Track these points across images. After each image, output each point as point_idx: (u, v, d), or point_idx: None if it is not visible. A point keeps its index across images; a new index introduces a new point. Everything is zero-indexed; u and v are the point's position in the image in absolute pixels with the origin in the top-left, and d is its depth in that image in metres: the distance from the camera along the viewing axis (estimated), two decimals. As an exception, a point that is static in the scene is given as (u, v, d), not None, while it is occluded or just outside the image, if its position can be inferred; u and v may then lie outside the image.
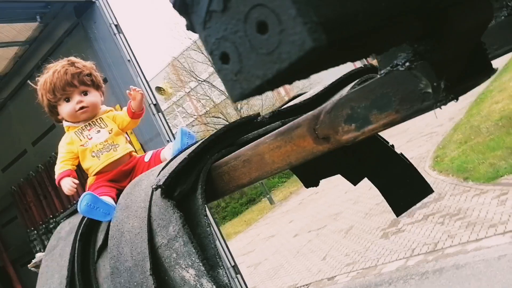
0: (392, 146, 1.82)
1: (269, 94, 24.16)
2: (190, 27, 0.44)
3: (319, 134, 0.78)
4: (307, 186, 2.11)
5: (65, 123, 1.55)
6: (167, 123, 4.52)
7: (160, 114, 4.51)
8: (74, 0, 4.54)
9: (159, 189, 0.96)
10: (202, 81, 24.47)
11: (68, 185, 1.40)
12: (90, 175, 1.45)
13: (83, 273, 1.21)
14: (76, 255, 1.24)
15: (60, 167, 1.46)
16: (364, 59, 0.63)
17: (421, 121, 13.95)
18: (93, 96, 1.55)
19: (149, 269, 0.94)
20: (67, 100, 1.52)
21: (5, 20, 4.33)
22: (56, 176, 1.45)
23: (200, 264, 0.87)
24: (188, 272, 0.90)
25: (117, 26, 4.44)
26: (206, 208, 0.97)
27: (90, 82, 1.53)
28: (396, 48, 0.67)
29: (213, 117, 24.00)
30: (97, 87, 1.55)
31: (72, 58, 1.51)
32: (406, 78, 0.65)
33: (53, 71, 1.49)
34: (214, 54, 0.42)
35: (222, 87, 22.98)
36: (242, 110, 22.80)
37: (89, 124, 1.53)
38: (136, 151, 1.55)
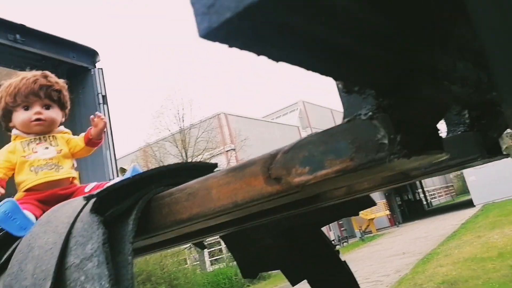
0: (338, 251, 1.78)
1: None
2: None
3: (272, 174, 0.77)
4: (244, 276, 1.99)
5: (14, 131, 1.47)
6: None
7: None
8: (71, 62, 4.61)
9: (89, 206, 0.88)
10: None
11: None
12: (19, 190, 1.32)
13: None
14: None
15: None
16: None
17: (368, 267, 14.00)
18: (54, 113, 1.50)
19: (49, 279, 0.82)
20: (26, 108, 1.46)
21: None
22: None
23: (109, 290, 0.76)
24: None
25: (104, 96, 4.46)
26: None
27: (56, 98, 1.49)
28: (363, 100, 0.70)
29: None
30: (62, 105, 1.51)
31: (47, 72, 1.49)
32: (366, 127, 0.67)
33: (22, 77, 1.45)
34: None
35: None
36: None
37: (40, 138, 1.45)
38: (79, 180, 1.46)
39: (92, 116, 1.52)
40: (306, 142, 0.73)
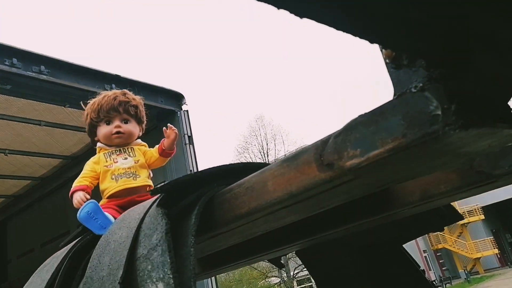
0: (423, 271, 1.64)
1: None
2: None
3: (324, 160, 0.75)
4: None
5: (98, 144, 1.63)
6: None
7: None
8: (159, 106, 4.93)
9: (156, 202, 0.94)
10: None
11: (79, 197, 1.41)
12: (103, 197, 1.46)
13: (62, 286, 1.14)
14: (62, 269, 1.19)
15: (78, 181, 1.50)
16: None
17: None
18: (132, 127, 1.64)
19: (120, 278, 0.88)
20: (108, 123, 1.62)
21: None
22: (72, 188, 1.47)
23: (171, 277, 0.80)
24: (155, 284, 0.82)
25: (190, 137, 4.67)
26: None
27: (133, 113, 1.64)
28: (413, 74, 0.67)
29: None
30: (138, 120, 1.65)
31: (126, 90, 1.65)
32: (417, 100, 0.64)
33: (104, 95, 1.63)
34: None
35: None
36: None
37: (120, 150, 1.59)
38: (156, 190, 1.56)
39: (164, 128, 1.63)
40: (357, 123, 0.71)
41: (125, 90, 1.66)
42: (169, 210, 0.92)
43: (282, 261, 2.19)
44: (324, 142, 0.76)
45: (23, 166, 4.51)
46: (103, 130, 1.62)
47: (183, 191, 0.94)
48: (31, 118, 3.58)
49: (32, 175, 5.05)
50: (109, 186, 1.48)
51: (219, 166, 1.00)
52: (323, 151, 0.76)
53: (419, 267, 1.65)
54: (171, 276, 0.79)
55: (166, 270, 0.81)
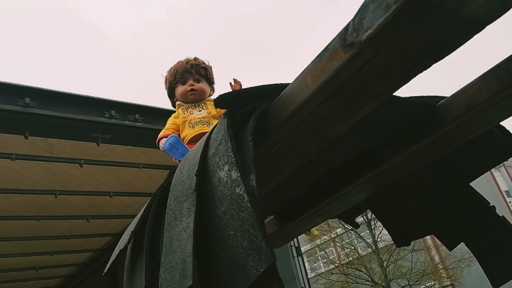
0: (493, 207, 1.63)
1: (420, 258, 22.03)
2: None
3: (347, 42, 0.91)
4: (398, 245, 1.96)
5: (177, 102, 1.93)
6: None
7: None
8: None
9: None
10: (349, 229, 23.97)
11: (163, 140, 1.69)
12: (184, 143, 1.72)
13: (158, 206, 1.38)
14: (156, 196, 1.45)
15: (162, 132, 1.79)
16: None
17: None
18: (203, 85, 1.93)
19: (195, 171, 1.08)
20: (183, 83, 1.92)
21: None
22: (157, 138, 1.77)
23: (233, 157, 0.98)
24: (223, 170, 1.01)
25: (297, 248, 4.65)
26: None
27: (204, 73, 1.93)
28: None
29: (355, 269, 22.65)
30: (209, 81, 1.94)
31: (196, 56, 1.96)
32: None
33: (178, 61, 1.95)
34: None
35: (370, 240, 22.06)
36: (388, 269, 21.09)
37: (195, 105, 1.87)
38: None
39: (230, 82, 1.88)
40: (367, 2, 0.87)
41: (195, 56, 1.97)
42: (231, 118, 1.12)
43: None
44: (345, 28, 0.92)
45: (127, 206, 4.89)
46: (179, 89, 1.93)
47: (241, 103, 1.14)
48: (130, 162, 3.87)
49: (134, 213, 5.52)
50: (187, 133, 1.75)
51: (273, 84, 1.19)
52: (346, 35, 0.91)
53: (489, 203, 1.64)
54: (233, 156, 0.98)
55: (229, 154, 1.00)
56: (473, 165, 1.60)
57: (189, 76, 1.91)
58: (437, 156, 1.51)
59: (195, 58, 1.96)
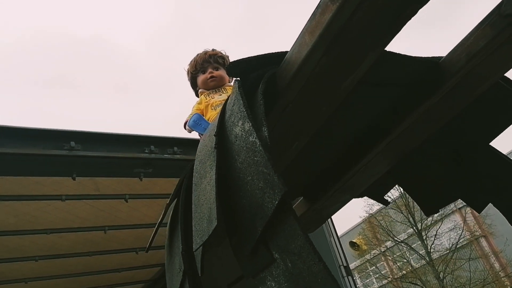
0: (518, 165, 1.63)
1: (479, 266, 20.94)
2: None
3: (334, -6, 1.02)
4: (427, 214, 1.98)
5: (200, 90, 2.11)
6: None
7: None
8: None
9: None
10: (399, 241, 23.22)
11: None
12: None
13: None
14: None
15: (187, 117, 1.94)
16: None
17: None
18: (222, 72, 2.11)
19: (215, 132, 1.21)
20: (203, 72, 2.11)
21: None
22: (184, 121, 1.93)
23: (245, 111, 1.09)
24: (238, 126, 1.13)
25: (346, 267, 4.66)
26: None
27: (222, 62, 2.12)
28: None
29: (410, 282, 21.80)
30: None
31: (213, 48, 2.14)
32: None
33: (197, 53, 2.16)
34: None
35: (422, 251, 21.26)
36: (445, 280, 20.16)
37: (215, 90, 2.05)
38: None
39: None
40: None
41: (213, 48, 2.17)
42: (243, 83, 1.24)
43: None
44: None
45: (171, 236, 5.16)
46: (200, 78, 2.13)
47: (252, 69, 1.27)
48: (171, 193, 4.13)
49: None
50: (210, 115, 1.92)
51: (280, 51, 1.31)
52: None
53: (512, 160, 1.65)
54: (245, 111, 1.10)
55: (241, 109, 1.12)
56: (489, 125, 1.63)
57: (208, 65, 2.11)
58: (450, 116, 1.56)
59: (213, 49, 2.15)
